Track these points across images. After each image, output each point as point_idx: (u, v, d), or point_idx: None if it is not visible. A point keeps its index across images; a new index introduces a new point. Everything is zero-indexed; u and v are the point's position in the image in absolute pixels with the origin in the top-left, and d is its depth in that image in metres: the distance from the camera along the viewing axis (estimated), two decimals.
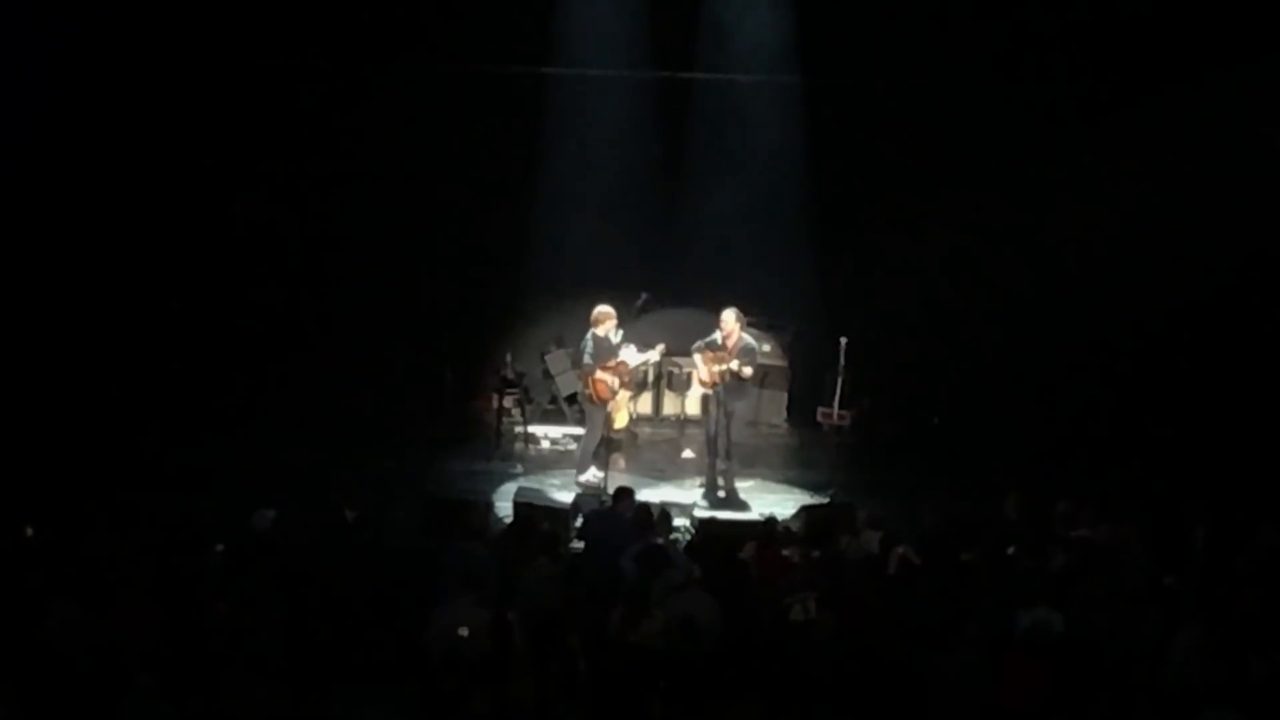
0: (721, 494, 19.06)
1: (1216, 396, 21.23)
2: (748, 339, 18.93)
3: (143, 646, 12.13)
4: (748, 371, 18.69)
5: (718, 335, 18.85)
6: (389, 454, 20.01)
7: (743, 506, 18.79)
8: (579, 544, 15.91)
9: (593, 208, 22.86)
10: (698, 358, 19.10)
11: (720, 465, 19.15)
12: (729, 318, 18.80)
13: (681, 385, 22.18)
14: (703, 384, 19.40)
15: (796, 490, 19.78)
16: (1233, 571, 14.78)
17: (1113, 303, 21.91)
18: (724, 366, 18.68)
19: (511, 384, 21.73)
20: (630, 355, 19.66)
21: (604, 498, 17.77)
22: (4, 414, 19.33)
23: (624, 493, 16.27)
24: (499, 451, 21.10)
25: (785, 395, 22.69)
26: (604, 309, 19.30)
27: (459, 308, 22.22)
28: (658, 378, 22.33)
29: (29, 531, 14.37)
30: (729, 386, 18.83)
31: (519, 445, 21.38)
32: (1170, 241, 21.38)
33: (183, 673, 11.77)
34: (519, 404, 21.78)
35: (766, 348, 21.23)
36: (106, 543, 14.03)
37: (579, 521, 16.82)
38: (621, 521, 15.69)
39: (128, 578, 13.25)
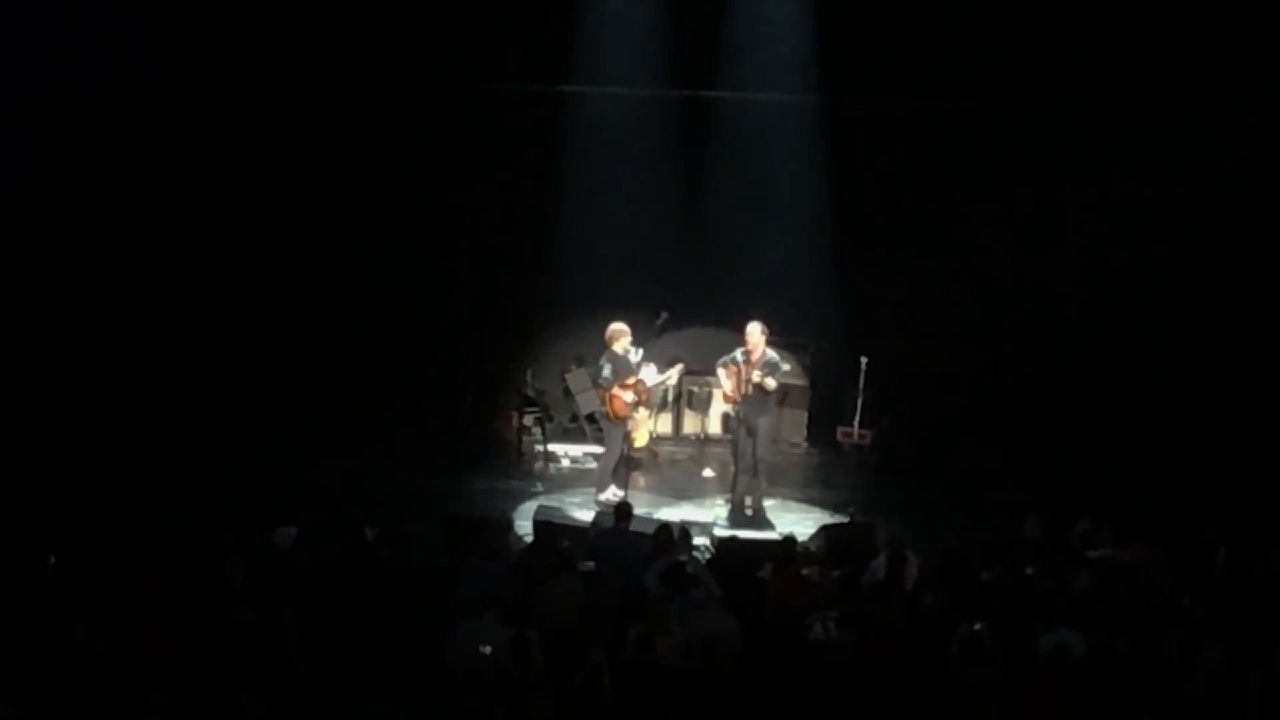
0: (749, 512, 19.00)
1: (1237, 416, 21.19)
2: (772, 353, 18.92)
3: (164, 666, 12.15)
4: (771, 383, 18.63)
5: (738, 353, 18.84)
6: (410, 472, 20.02)
7: (769, 525, 18.73)
8: (589, 563, 15.83)
9: (613, 226, 22.89)
10: (721, 373, 19.10)
11: (750, 483, 19.12)
12: (754, 330, 18.76)
13: (702, 404, 22.23)
14: (726, 399, 19.41)
15: (816, 509, 19.76)
16: (1252, 591, 14.76)
17: (1135, 323, 21.91)
18: (747, 379, 18.66)
19: (532, 402, 21.80)
20: (649, 374, 19.69)
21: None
22: (26, 434, 19.37)
23: (625, 510, 16.20)
24: (519, 470, 21.15)
25: (805, 414, 22.73)
26: (618, 326, 19.31)
27: (480, 326, 22.26)
28: (678, 396, 22.37)
29: (52, 560, 14.34)
30: (751, 401, 18.78)
31: (539, 463, 21.41)
32: (1193, 261, 21.39)
33: (203, 692, 11.78)
34: (539, 422, 21.83)
35: (787, 366, 21.23)
36: (128, 562, 14.04)
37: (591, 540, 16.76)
38: (629, 538, 15.69)
39: (149, 597, 13.26)
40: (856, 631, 13.49)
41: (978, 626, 12.93)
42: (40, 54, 20.62)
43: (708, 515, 19.18)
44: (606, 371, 19.17)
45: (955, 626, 13.14)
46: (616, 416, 19.28)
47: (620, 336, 19.25)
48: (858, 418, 21.43)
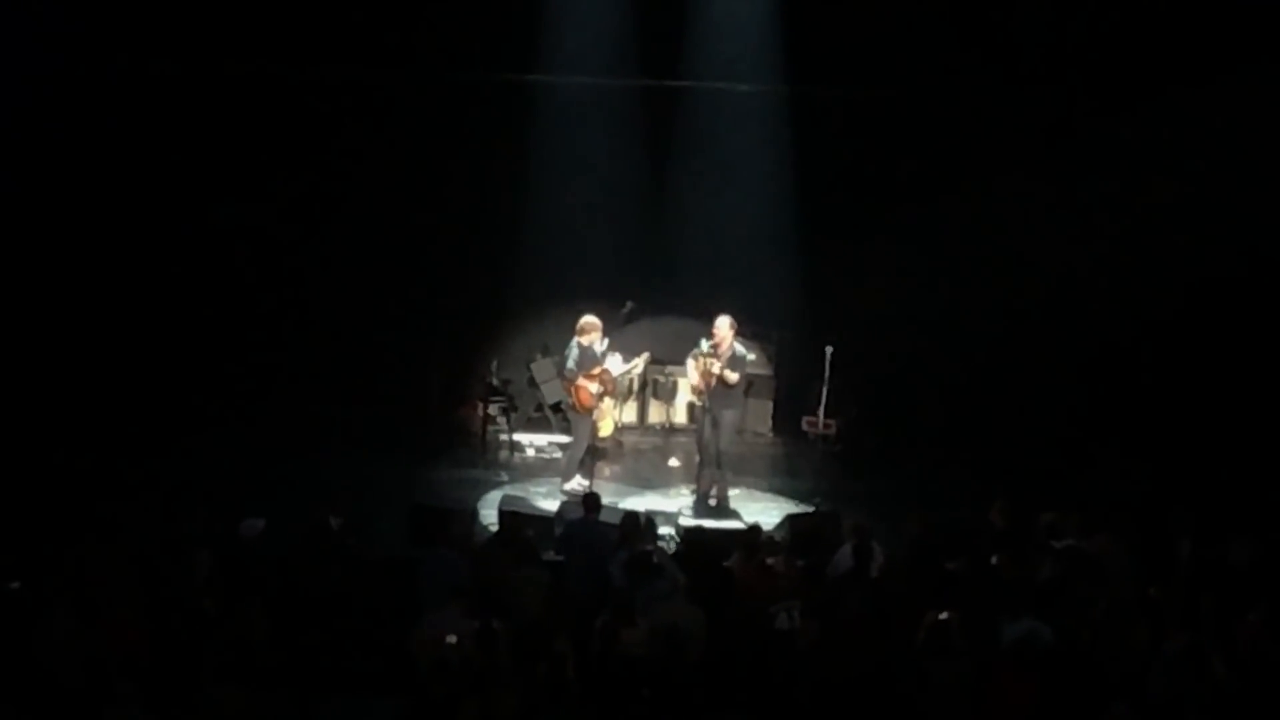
0: (713, 502, 19.00)
1: (1202, 407, 21.23)
2: (740, 348, 18.89)
3: (129, 656, 12.11)
4: (732, 377, 18.62)
5: (704, 344, 18.82)
6: (374, 461, 19.95)
7: (734, 516, 18.70)
8: (558, 556, 15.80)
9: (579, 215, 22.84)
10: (690, 364, 19.09)
11: (714, 474, 19.11)
12: (722, 324, 18.74)
13: (667, 394, 22.23)
14: (693, 389, 19.40)
15: (782, 499, 19.76)
16: (1216, 583, 14.80)
17: (1099, 313, 21.95)
18: (710, 369, 18.64)
19: (497, 392, 21.76)
20: (614, 364, 19.68)
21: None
22: None
23: (594, 501, 16.19)
24: (484, 459, 21.11)
25: (770, 404, 22.76)
26: (590, 320, 19.28)
27: (444, 315, 22.20)
28: (643, 386, 22.37)
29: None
30: (716, 394, 18.77)
31: (504, 453, 21.39)
32: (1156, 252, 21.40)
33: (168, 683, 11.75)
34: (504, 412, 21.80)
35: (752, 356, 21.26)
36: (94, 553, 13.98)
37: (559, 531, 16.71)
38: (599, 528, 15.68)
39: (115, 588, 13.22)
40: (821, 621, 13.52)
41: (943, 616, 12.95)
42: (10, 40, 20.53)
43: (673, 505, 19.19)
44: (572, 361, 19.16)
45: (920, 616, 13.16)
46: (582, 407, 19.27)
47: (591, 330, 19.21)
48: (823, 407, 21.43)
